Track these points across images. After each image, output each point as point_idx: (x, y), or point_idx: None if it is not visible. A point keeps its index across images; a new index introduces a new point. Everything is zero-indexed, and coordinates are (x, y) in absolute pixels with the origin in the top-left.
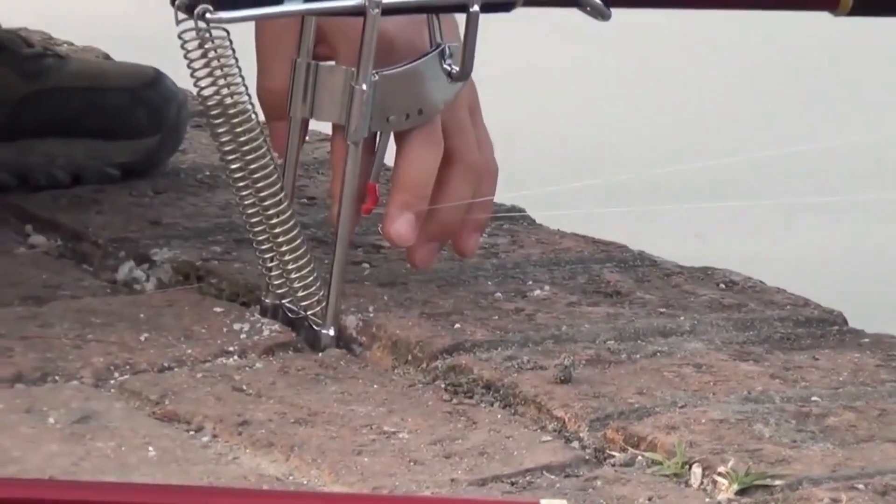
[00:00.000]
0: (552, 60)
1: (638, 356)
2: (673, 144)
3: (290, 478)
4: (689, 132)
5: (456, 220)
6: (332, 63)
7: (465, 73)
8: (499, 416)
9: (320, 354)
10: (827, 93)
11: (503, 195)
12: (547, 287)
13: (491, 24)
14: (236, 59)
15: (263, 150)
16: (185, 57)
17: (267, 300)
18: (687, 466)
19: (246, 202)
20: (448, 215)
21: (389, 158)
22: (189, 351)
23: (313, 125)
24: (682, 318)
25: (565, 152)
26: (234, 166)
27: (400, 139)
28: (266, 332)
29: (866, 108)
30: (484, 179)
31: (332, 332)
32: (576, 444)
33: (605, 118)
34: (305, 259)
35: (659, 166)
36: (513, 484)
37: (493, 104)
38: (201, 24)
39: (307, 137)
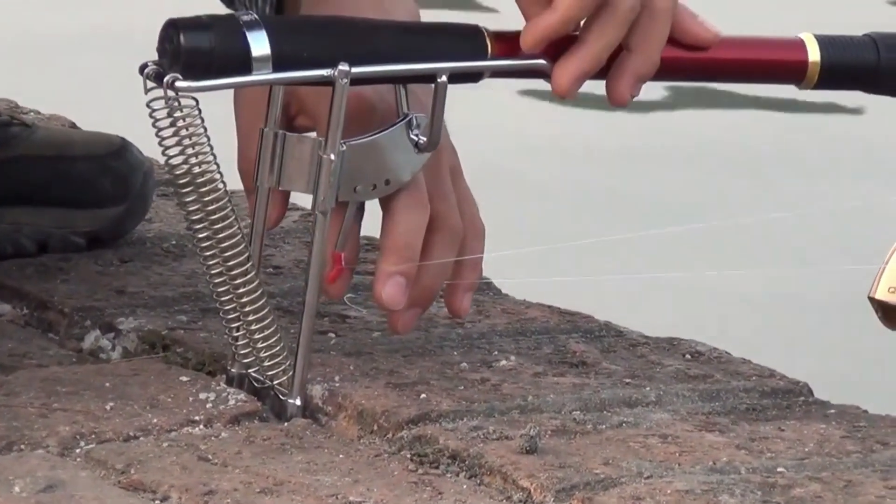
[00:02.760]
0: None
1: (604, 426)
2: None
3: None
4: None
5: (438, 285)
6: (300, 133)
7: (432, 144)
8: (464, 486)
9: (286, 424)
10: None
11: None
12: (513, 357)
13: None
14: (205, 128)
15: (231, 219)
16: (154, 126)
17: (233, 369)
18: None
19: (213, 271)
20: (431, 280)
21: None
22: (155, 420)
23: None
24: (647, 388)
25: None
26: (201, 235)
27: (385, 203)
28: (232, 402)
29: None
30: (469, 241)
31: (298, 402)
32: None
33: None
34: (272, 328)
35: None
36: None
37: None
38: (170, 93)
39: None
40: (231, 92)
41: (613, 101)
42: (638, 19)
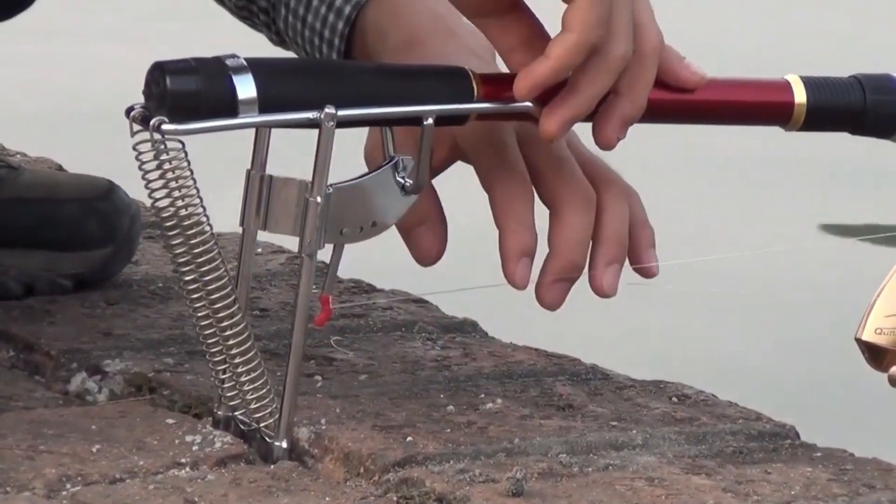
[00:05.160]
0: None
1: (590, 469)
2: None
3: None
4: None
5: (626, 239)
6: (286, 176)
7: (418, 186)
8: None
9: (272, 466)
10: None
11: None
12: (499, 400)
13: None
14: (191, 171)
15: (218, 261)
16: (140, 168)
17: (219, 412)
18: None
19: (200, 314)
20: (622, 236)
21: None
22: (141, 462)
23: (266, 237)
24: (634, 431)
25: None
26: (187, 278)
27: (552, 202)
28: (218, 444)
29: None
30: (632, 197)
31: (284, 445)
32: None
33: None
34: (259, 371)
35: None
36: None
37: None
38: (156, 136)
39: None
40: (218, 134)
41: (600, 145)
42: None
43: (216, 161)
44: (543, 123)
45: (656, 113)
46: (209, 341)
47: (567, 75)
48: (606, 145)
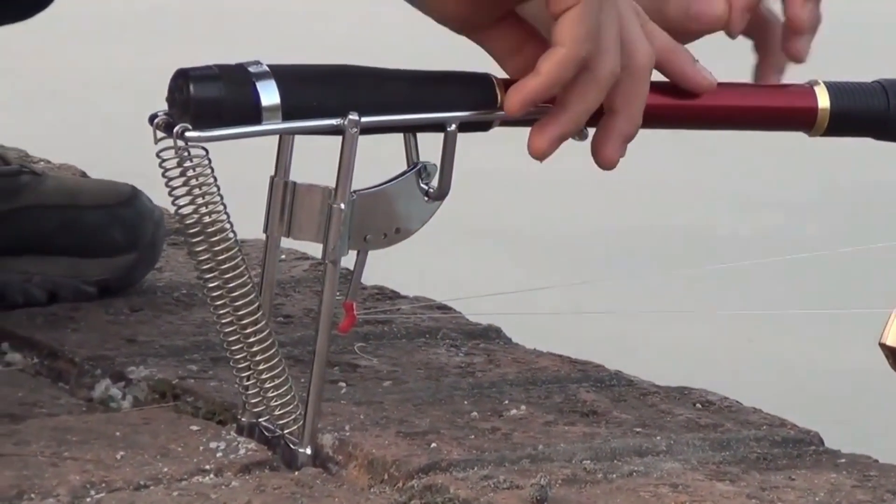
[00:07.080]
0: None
1: (614, 476)
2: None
3: None
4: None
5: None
6: (310, 183)
7: (442, 193)
8: None
9: (297, 473)
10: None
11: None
12: (523, 406)
13: None
14: (215, 178)
15: (241, 268)
16: (164, 175)
17: (243, 418)
18: None
19: (223, 320)
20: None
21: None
22: (165, 469)
23: (289, 244)
24: (658, 437)
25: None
26: (211, 284)
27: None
28: (242, 451)
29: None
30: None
31: (308, 451)
32: None
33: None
34: (283, 377)
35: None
36: None
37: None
38: (180, 143)
39: (282, 255)
40: (241, 141)
41: (601, 164)
42: (619, 80)
43: (240, 167)
44: (532, 140)
45: (681, 118)
46: (233, 348)
47: (558, 90)
48: (608, 164)
